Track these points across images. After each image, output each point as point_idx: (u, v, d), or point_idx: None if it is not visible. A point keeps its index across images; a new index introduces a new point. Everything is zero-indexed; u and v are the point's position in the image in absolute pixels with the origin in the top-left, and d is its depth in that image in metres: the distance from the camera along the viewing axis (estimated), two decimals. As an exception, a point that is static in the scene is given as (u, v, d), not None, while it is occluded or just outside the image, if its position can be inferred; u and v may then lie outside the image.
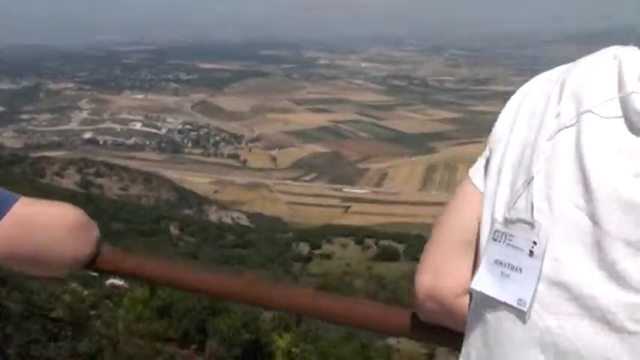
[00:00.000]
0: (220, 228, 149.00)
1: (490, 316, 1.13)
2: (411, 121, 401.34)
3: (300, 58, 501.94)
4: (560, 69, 1.24)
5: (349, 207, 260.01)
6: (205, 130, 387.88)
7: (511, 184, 1.15)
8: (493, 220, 1.17)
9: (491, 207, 1.18)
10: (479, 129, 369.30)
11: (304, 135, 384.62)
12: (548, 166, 1.08)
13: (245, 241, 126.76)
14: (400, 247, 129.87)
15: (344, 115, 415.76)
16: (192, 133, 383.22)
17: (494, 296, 1.12)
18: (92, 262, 2.09)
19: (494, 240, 1.15)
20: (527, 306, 1.05)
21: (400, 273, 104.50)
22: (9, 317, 6.73)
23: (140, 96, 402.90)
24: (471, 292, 1.24)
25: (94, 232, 2.00)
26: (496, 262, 1.15)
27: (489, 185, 1.23)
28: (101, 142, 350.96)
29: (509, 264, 1.12)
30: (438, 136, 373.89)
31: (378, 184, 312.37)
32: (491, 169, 1.25)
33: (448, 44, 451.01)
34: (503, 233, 1.13)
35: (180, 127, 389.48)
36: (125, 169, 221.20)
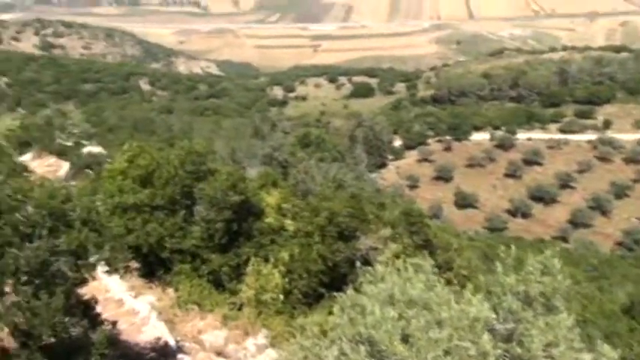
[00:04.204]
0: (191, 79, 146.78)
1: None
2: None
3: None
4: None
5: (319, 45, 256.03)
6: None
7: None
8: None
9: None
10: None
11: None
12: None
13: (218, 91, 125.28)
14: (373, 82, 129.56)
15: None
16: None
17: None
18: None
19: None
20: None
21: (376, 108, 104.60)
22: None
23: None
24: None
25: None
26: None
27: None
28: (54, 0, 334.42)
29: None
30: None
31: (345, 18, 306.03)
32: None
33: None
34: None
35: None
36: (84, 26, 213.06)
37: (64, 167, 24.09)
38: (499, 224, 69.94)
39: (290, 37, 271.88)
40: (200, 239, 13.27)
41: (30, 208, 6.09)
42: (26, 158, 24.36)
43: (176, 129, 68.51)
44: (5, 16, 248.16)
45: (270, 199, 14.43)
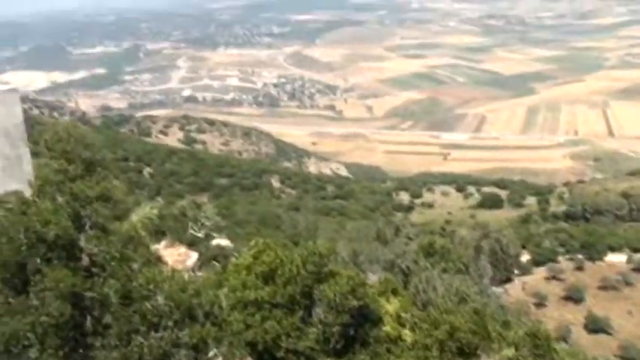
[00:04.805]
0: (320, 179, 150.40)
1: None
2: (509, 61, 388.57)
3: (392, 4, 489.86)
4: None
5: (448, 154, 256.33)
6: (300, 82, 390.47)
7: None
8: None
9: None
10: (582, 66, 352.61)
11: (399, 82, 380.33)
12: None
13: (345, 192, 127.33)
14: (503, 194, 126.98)
15: (439, 59, 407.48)
16: (287, 85, 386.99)
17: None
18: None
19: None
20: None
21: (504, 220, 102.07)
22: (107, 306, 6.51)
23: (235, 51, 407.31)
24: None
25: None
26: None
27: None
28: (200, 99, 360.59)
29: None
30: (538, 76, 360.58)
31: (477, 129, 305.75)
32: None
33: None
34: None
35: (275, 80, 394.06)
36: (225, 124, 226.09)
37: (193, 257, 25.02)
38: (635, 354, 64.55)
39: (420, 144, 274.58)
40: (316, 341, 13.17)
41: (160, 299, 6.33)
42: (159, 247, 25.57)
43: (301, 227, 69.90)
44: (157, 112, 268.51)
45: (390, 306, 14.20)
